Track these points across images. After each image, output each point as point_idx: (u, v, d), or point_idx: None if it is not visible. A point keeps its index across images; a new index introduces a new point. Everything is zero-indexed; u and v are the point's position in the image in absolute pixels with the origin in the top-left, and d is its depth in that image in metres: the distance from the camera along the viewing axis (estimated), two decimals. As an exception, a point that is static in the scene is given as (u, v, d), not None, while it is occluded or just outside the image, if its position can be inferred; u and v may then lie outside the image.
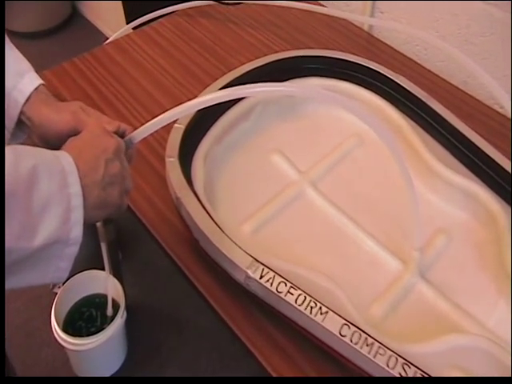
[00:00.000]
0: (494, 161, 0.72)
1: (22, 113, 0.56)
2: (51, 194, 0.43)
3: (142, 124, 0.54)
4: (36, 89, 0.57)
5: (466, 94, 0.93)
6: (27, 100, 0.56)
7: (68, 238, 0.45)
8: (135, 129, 0.55)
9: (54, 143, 0.54)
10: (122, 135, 0.55)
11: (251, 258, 0.58)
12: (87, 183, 0.47)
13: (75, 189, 0.46)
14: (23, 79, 0.57)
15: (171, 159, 0.67)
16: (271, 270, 0.57)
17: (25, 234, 0.42)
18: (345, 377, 0.58)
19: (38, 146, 0.56)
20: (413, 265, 0.66)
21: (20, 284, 0.45)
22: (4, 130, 0.57)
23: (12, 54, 0.58)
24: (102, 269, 0.74)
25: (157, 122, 0.53)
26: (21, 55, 0.59)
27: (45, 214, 0.43)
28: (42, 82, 0.58)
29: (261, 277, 0.57)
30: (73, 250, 0.46)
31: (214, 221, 0.61)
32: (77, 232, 0.45)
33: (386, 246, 0.69)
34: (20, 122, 0.57)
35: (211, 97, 0.51)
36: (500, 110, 0.90)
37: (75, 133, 0.53)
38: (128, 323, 0.91)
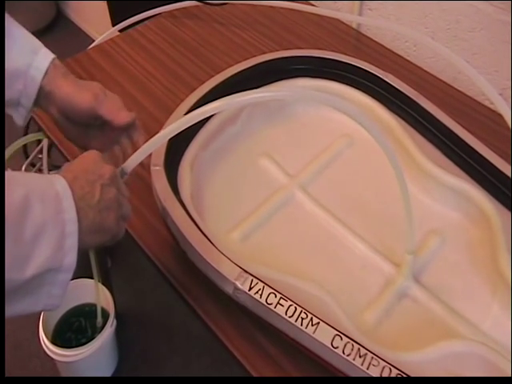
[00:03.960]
0: (486, 159, 0.71)
1: (40, 87, 0.57)
2: (45, 221, 0.42)
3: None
4: (51, 62, 0.58)
5: (456, 90, 0.92)
6: (44, 75, 0.57)
7: (61, 265, 0.43)
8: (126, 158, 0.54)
9: (73, 119, 0.58)
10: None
11: (239, 269, 0.56)
12: (82, 206, 0.45)
13: (70, 214, 0.44)
14: (37, 56, 0.57)
15: (157, 168, 0.65)
16: (260, 280, 0.56)
17: (16, 265, 0.40)
18: (332, 377, 0.57)
19: (55, 119, 0.59)
20: (406, 268, 0.65)
21: (10, 313, 0.43)
22: (4, 133, 0.56)
23: (21, 32, 0.58)
24: (91, 277, 0.72)
25: (146, 148, 0.51)
26: (29, 33, 0.59)
27: (38, 242, 0.41)
28: (54, 56, 0.59)
29: (250, 288, 0.55)
30: (66, 277, 0.45)
31: (201, 231, 0.60)
32: (70, 259, 0.44)
33: (378, 249, 0.68)
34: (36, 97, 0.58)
35: (201, 111, 0.49)
36: (490, 106, 0.88)
37: (93, 112, 0.57)
38: (118, 330, 0.90)
